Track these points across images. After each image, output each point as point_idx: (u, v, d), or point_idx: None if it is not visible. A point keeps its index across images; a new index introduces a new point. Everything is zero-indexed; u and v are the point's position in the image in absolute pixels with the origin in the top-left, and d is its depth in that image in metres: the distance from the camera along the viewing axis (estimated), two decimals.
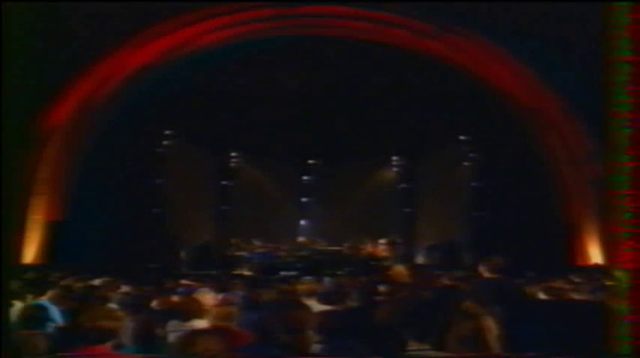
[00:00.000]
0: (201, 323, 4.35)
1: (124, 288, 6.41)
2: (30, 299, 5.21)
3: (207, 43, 12.64)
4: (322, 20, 12.65)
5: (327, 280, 9.18)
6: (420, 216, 16.81)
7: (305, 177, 17.23)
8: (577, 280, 8.02)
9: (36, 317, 4.22)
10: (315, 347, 3.49)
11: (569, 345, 3.37)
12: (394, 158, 17.51)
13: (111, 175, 12.93)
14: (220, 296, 5.57)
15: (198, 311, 4.56)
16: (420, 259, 15.29)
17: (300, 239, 16.24)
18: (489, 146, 14.61)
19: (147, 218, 14.25)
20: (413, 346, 2.82)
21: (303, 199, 17.17)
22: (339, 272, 12.78)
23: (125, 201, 13.46)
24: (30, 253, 11.83)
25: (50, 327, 4.26)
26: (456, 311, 2.92)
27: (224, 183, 16.95)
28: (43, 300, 5.14)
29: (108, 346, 3.14)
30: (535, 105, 13.00)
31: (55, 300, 5.19)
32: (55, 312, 4.71)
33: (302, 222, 16.99)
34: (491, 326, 2.83)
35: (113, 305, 4.78)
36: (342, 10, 12.26)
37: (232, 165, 17.22)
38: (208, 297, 5.32)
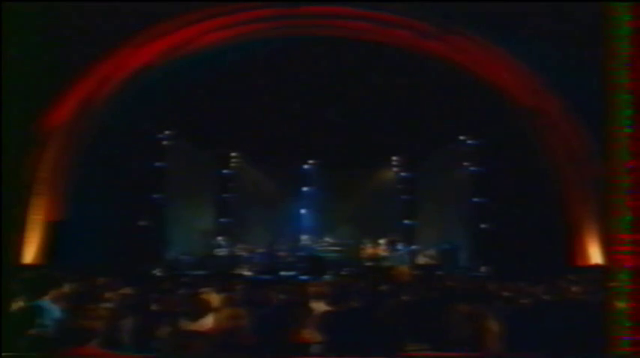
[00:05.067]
0: (203, 324, 4.36)
1: (125, 289, 6.41)
2: (30, 300, 5.20)
3: (207, 43, 12.64)
4: (322, 20, 12.65)
5: (327, 280, 9.18)
6: (420, 216, 16.80)
7: (305, 177, 17.23)
8: (577, 280, 8.03)
9: (34, 317, 4.21)
10: (316, 347, 3.49)
11: (569, 345, 3.37)
12: (394, 158, 17.51)
13: (111, 175, 12.92)
14: (222, 296, 5.57)
15: (203, 311, 4.55)
16: (420, 259, 15.28)
17: (300, 239, 16.22)
18: (489, 146, 14.61)
19: (147, 218, 14.25)
20: (413, 346, 2.82)
21: (303, 198, 17.16)
22: (339, 273, 12.82)
23: (125, 200, 13.45)
24: (30, 253, 11.83)
25: (48, 327, 4.26)
26: (456, 311, 2.92)
27: (224, 183, 16.95)
28: (43, 300, 5.13)
29: (93, 345, 3.13)
30: (535, 105, 13.00)
31: (54, 300, 5.18)
32: (54, 312, 4.71)
33: (302, 222, 16.97)
34: (491, 327, 2.83)
35: (109, 305, 4.78)
36: (342, 10, 12.26)
37: (232, 165, 17.22)
38: (210, 298, 5.32)
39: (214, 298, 5.28)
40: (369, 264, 14.79)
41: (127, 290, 6.25)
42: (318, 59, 13.57)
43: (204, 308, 4.63)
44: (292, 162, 16.95)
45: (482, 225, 14.74)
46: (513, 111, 13.40)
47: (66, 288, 6.08)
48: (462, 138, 15.63)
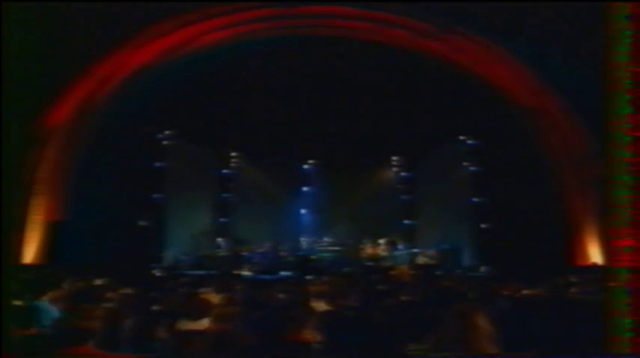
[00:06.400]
0: (203, 324, 4.35)
1: (125, 289, 6.41)
2: (30, 300, 5.21)
3: (207, 43, 12.64)
4: (322, 20, 12.64)
5: (327, 280, 9.16)
6: (420, 216, 16.81)
7: (305, 177, 17.24)
8: (577, 280, 8.02)
9: (34, 317, 4.22)
10: (316, 347, 3.49)
11: (569, 345, 3.37)
12: (394, 158, 17.51)
13: (111, 175, 12.92)
14: (222, 296, 5.57)
15: (203, 311, 4.55)
16: (420, 259, 15.28)
17: (300, 239, 16.23)
18: (489, 146, 14.61)
19: (147, 218, 14.25)
20: (412, 346, 2.83)
21: (303, 198, 17.17)
22: (339, 273, 12.80)
23: (125, 200, 13.45)
24: (30, 253, 11.82)
25: (47, 328, 4.26)
26: (455, 312, 2.92)
27: (224, 183, 16.96)
28: (42, 301, 5.13)
29: (90, 346, 3.12)
30: (535, 105, 13.00)
31: (54, 300, 5.19)
32: (53, 313, 4.72)
33: (302, 222, 16.98)
34: (483, 326, 2.83)
35: (109, 305, 4.78)
36: (342, 10, 12.26)
37: (232, 165, 17.21)
38: (210, 298, 5.32)
39: (214, 298, 5.28)
40: (368, 263, 14.80)
41: (127, 290, 6.25)
42: (317, 59, 13.56)
43: (204, 308, 4.63)
44: (292, 162, 16.95)
45: (483, 225, 14.73)
46: (513, 111, 13.39)
47: (65, 288, 6.08)
48: (462, 138, 15.63)
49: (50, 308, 4.79)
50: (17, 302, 4.85)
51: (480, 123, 14.37)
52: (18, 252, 11.29)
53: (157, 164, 14.83)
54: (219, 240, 15.76)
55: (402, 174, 17.45)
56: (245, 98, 14.39)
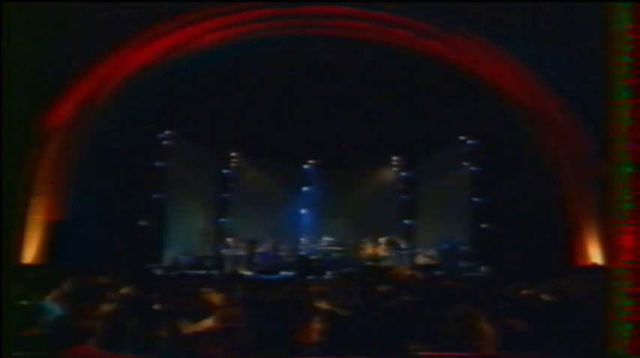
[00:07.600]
0: (203, 324, 4.35)
1: (125, 289, 6.40)
2: (30, 300, 5.21)
3: (207, 43, 12.64)
4: (322, 20, 12.64)
5: (327, 280, 9.19)
6: (420, 216, 16.81)
7: (305, 177, 17.25)
8: (577, 280, 8.02)
9: (35, 317, 4.21)
10: (316, 347, 3.49)
11: (569, 345, 3.37)
12: (394, 158, 17.51)
13: (111, 175, 12.92)
14: (222, 296, 5.56)
15: (203, 311, 4.55)
16: (420, 259, 15.28)
17: (300, 239, 16.23)
18: (489, 146, 14.61)
19: (147, 217, 14.25)
20: (412, 346, 2.83)
21: (303, 198, 17.17)
22: (339, 273, 12.82)
23: (125, 200, 13.45)
24: (30, 253, 11.82)
25: (49, 327, 4.26)
26: (454, 312, 2.92)
27: (224, 183, 16.96)
28: (44, 300, 5.13)
29: (90, 345, 3.12)
30: (535, 105, 13.00)
31: (55, 300, 5.18)
32: (55, 312, 4.71)
33: (302, 222, 16.99)
34: (483, 327, 2.83)
35: (109, 305, 4.77)
36: (342, 10, 12.25)
37: (232, 165, 17.22)
38: (210, 298, 5.31)
39: (214, 298, 5.27)
40: (368, 263, 14.80)
41: (127, 290, 6.25)
42: (318, 59, 13.56)
43: (205, 308, 4.63)
44: (292, 162, 16.96)
45: (483, 225, 14.73)
46: (513, 111, 13.40)
47: (65, 288, 6.08)
48: (462, 138, 15.63)
49: (54, 307, 4.79)
50: (21, 302, 4.86)
51: (480, 123, 14.38)
52: (18, 252, 11.29)
53: (157, 164, 14.83)
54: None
55: (402, 174, 17.45)
56: (245, 98, 14.40)
